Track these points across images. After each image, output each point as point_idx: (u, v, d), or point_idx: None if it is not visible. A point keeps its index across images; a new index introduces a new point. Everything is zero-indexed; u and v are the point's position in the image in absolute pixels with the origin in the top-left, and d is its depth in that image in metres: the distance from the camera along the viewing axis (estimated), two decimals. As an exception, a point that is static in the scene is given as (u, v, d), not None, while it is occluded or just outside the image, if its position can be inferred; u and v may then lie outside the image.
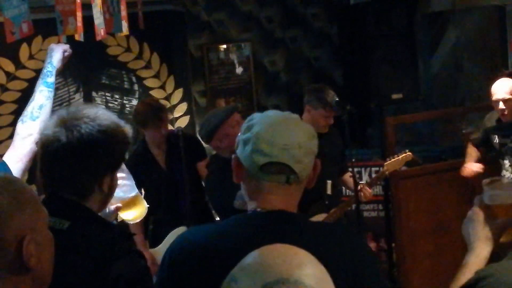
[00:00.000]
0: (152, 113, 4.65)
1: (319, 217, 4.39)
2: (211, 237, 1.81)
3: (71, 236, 1.85)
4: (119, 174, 2.08)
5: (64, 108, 2.06)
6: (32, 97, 2.78)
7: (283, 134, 1.77)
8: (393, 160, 4.77)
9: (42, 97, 2.74)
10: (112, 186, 2.02)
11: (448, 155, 6.06)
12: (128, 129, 2.04)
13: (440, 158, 5.94)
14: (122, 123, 2.04)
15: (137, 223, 4.68)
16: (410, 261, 5.26)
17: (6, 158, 2.63)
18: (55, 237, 1.62)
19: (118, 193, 2.47)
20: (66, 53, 2.88)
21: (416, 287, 5.28)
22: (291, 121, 1.83)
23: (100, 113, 1.98)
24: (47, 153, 1.93)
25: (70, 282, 1.79)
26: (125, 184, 2.77)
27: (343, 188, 5.31)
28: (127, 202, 2.81)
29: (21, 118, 2.72)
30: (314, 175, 1.87)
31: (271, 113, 1.87)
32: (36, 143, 2.05)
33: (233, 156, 1.86)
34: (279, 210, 1.80)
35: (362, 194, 4.60)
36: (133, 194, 2.84)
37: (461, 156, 5.23)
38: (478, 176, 4.86)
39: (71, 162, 1.90)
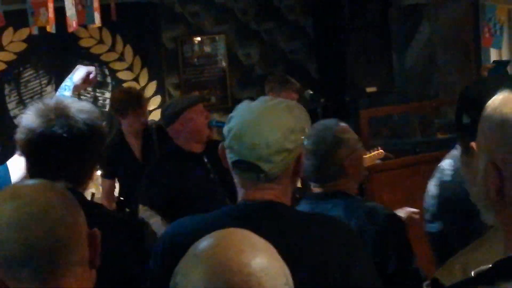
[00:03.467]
0: (132, 101, 4.59)
1: None
2: (201, 227, 1.80)
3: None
4: None
5: (43, 101, 2.13)
6: None
7: (252, 132, 1.74)
8: (365, 156, 4.77)
9: None
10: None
11: (423, 148, 6.08)
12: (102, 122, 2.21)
13: (414, 151, 5.95)
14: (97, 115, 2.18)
15: None
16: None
17: (10, 163, 2.63)
18: None
19: None
20: (92, 75, 2.87)
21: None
22: (269, 115, 1.77)
23: (85, 106, 2.12)
24: (40, 145, 2.03)
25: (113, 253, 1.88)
26: None
27: None
28: None
29: None
30: (300, 166, 1.84)
31: (253, 105, 1.83)
32: (19, 137, 2.10)
33: (220, 145, 1.85)
34: (266, 201, 1.79)
35: None
36: None
37: (436, 149, 5.24)
38: None
39: (68, 155, 2.03)
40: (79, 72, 2.85)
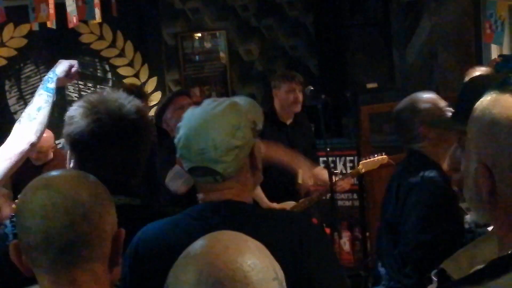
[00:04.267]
0: None
1: (287, 205, 4.43)
2: (166, 230, 1.86)
3: (149, 209, 2.07)
4: None
5: (87, 97, 2.15)
6: (32, 100, 2.80)
7: (198, 138, 1.78)
8: (369, 160, 4.75)
9: (41, 100, 2.76)
10: None
11: (423, 144, 6.07)
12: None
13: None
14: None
15: None
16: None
17: None
18: (133, 212, 1.91)
19: None
20: (74, 69, 2.86)
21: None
22: (211, 120, 1.79)
23: (132, 99, 2.13)
24: (96, 140, 2.02)
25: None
26: None
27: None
28: None
29: (19, 119, 2.74)
30: (255, 159, 1.87)
31: (197, 111, 1.85)
32: (74, 133, 2.07)
33: (177, 156, 1.89)
34: (226, 200, 1.83)
35: (339, 184, 4.61)
36: None
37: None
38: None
39: (127, 147, 2.05)
40: (62, 66, 2.85)
